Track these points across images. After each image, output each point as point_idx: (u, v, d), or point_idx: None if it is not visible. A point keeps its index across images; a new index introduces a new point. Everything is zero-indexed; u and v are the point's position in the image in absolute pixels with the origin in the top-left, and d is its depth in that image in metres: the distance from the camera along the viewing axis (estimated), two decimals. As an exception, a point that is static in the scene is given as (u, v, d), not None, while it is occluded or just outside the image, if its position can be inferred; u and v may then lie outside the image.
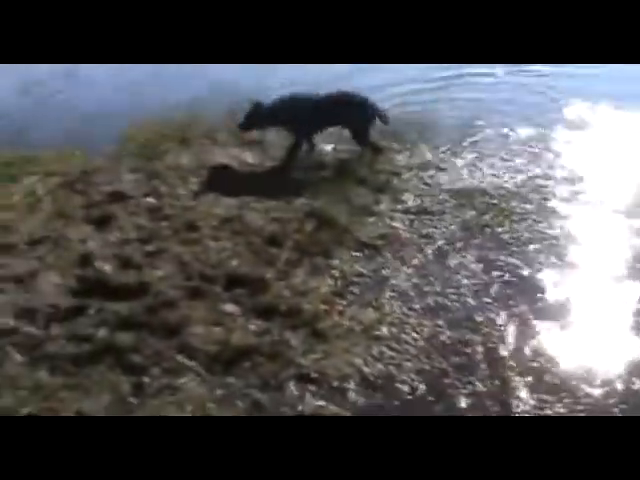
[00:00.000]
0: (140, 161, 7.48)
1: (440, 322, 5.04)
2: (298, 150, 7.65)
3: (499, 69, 9.58)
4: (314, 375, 4.53)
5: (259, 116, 7.67)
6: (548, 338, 4.90)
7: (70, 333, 4.90)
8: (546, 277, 5.52)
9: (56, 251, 5.83)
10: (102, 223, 6.27)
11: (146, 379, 4.53)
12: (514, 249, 5.85)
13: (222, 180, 7.22)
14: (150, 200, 6.68)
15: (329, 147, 7.79)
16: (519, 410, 4.29)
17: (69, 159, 7.60)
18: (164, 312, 5.04)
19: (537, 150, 7.61)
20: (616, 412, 4.26)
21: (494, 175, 7.09)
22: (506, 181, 6.96)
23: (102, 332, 4.88)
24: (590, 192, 6.69)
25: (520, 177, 7.05)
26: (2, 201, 6.72)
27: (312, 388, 4.45)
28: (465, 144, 7.80)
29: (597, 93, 8.56)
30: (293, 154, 7.62)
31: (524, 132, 8.00)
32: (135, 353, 4.70)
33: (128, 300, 5.18)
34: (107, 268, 5.56)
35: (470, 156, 7.52)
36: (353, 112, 7.65)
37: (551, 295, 5.32)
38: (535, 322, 5.05)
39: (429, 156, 7.53)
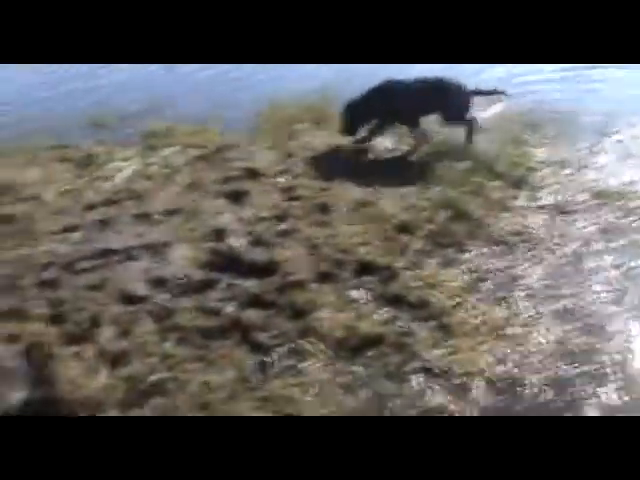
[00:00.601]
0: (275, 140, 7.57)
1: (570, 327, 4.87)
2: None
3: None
4: (438, 370, 4.43)
5: (356, 117, 7.57)
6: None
7: (200, 305, 4.97)
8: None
9: (190, 223, 5.96)
10: (236, 198, 6.38)
11: (271, 359, 4.55)
12: (654, 257, 5.64)
13: (355, 163, 7.27)
14: (283, 179, 6.74)
15: (464, 137, 7.64)
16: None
17: (206, 134, 7.79)
18: (293, 293, 5.05)
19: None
20: None
21: (636, 178, 6.83)
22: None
23: (231, 307, 4.94)
24: None
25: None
26: (141, 170, 6.91)
27: (435, 384, 4.37)
28: (606, 143, 7.55)
29: None
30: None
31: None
32: (262, 332, 4.72)
33: (258, 278, 5.24)
34: (239, 244, 5.64)
35: (611, 156, 7.27)
36: (449, 98, 7.53)
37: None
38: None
39: (569, 153, 7.33)
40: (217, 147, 7.41)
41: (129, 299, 5.06)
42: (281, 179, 6.76)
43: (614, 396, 4.29)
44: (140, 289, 5.15)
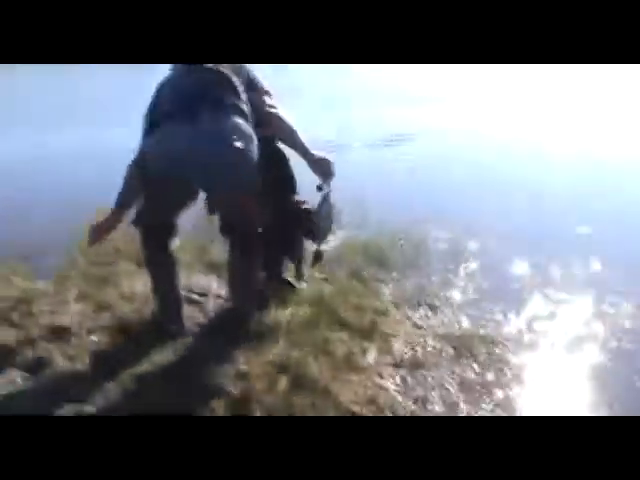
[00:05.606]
0: (88, 286, 6.41)
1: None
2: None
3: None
4: None
5: None
6: None
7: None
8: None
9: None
10: (38, 369, 5.16)
11: None
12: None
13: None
14: (95, 339, 5.59)
15: (305, 275, 6.61)
16: None
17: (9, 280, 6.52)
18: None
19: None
20: None
21: (494, 317, 6.25)
22: (507, 325, 6.17)
23: None
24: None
25: (520, 319, 6.28)
26: None
27: None
28: (459, 272, 7.00)
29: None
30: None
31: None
32: None
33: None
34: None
35: (467, 289, 6.72)
36: None
37: None
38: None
39: (420, 289, 6.68)
40: (18, 299, 6.14)
41: None
42: (94, 338, 5.61)
43: None
44: None
